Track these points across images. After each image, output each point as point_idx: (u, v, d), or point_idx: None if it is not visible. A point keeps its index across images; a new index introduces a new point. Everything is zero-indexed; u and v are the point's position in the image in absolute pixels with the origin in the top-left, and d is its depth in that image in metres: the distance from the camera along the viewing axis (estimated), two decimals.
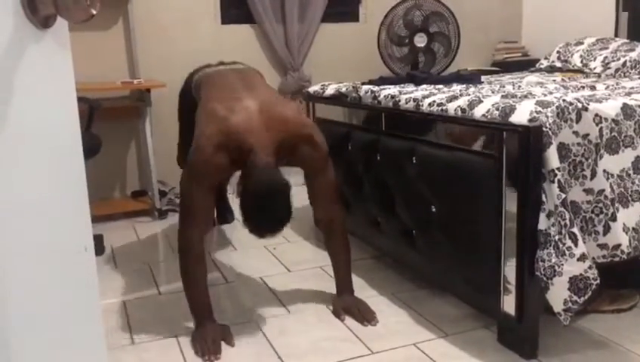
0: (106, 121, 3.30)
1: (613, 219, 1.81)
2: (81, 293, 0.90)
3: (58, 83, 0.84)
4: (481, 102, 1.93)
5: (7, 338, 0.75)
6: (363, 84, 2.80)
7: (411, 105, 2.24)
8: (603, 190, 1.80)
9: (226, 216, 3.32)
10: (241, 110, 2.02)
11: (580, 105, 1.78)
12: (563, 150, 1.74)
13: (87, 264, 0.90)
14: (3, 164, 0.73)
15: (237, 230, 3.23)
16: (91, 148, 2.77)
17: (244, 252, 2.93)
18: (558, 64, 3.61)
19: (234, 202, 3.35)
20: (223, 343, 1.97)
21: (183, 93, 2.71)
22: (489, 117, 1.84)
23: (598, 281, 1.70)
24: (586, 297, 1.70)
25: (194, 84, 2.52)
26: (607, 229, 1.81)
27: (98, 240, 2.87)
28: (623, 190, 1.86)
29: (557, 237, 1.69)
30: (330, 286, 2.30)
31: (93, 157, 2.79)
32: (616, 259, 1.84)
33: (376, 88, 2.57)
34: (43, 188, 0.81)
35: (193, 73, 2.64)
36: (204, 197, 2.00)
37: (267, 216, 1.89)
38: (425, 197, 2.13)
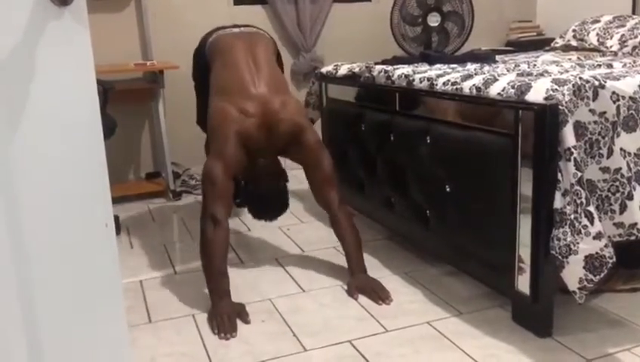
0: (120, 103, 3.31)
1: (630, 197, 1.80)
2: (103, 268, 0.91)
3: (78, 60, 0.85)
4: (496, 80, 1.91)
5: (31, 314, 0.77)
6: (376, 64, 2.79)
7: (425, 84, 2.23)
8: (619, 168, 1.79)
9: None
10: (245, 119, 2.26)
11: (596, 83, 1.76)
12: (579, 128, 1.72)
13: (108, 240, 0.92)
14: (26, 139, 0.74)
15: None
16: (107, 130, 2.78)
17: (258, 233, 2.94)
18: (574, 43, 3.56)
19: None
20: (238, 321, 1.99)
21: (197, 54, 2.80)
22: (504, 95, 1.83)
23: (614, 260, 1.69)
24: (602, 276, 1.69)
25: (207, 46, 2.67)
26: (623, 208, 1.80)
27: (114, 222, 2.90)
28: None
29: (573, 216, 1.68)
30: (344, 266, 2.32)
31: (109, 139, 2.81)
32: (632, 237, 1.83)
33: (389, 68, 2.55)
34: (64, 164, 0.82)
35: (208, 34, 2.74)
36: (226, 174, 2.16)
37: (267, 212, 2.47)
38: (439, 177, 2.13)
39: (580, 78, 1.75)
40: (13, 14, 0.70)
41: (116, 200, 3.28)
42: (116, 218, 2.97)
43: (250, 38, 2.63)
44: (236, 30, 2.70)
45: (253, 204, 2.46)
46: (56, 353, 0.80)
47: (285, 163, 2.48)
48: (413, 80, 2.31)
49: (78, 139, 0.86)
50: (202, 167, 2.25)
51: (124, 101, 3.48)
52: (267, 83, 2.37)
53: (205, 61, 2.64)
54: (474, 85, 1.97)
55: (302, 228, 2.95)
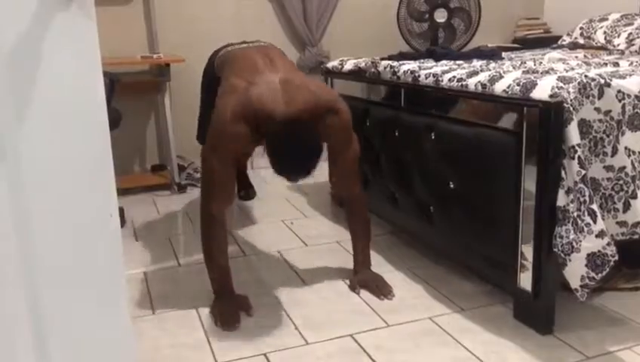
0: (126, 96, 3.32)
1: (634, 196, 1.80)
2: (107, 259, 0.92)
3: (84, 51, 0.86)
4: (501, 77, 1.91)
5: (36, 303, 0.78)
6: (382, 59, 2.79)
7: (431, 80, 2.23)
8: (624, 167, 1.79)
9: (248, 192, 3.34)
10: (262, 82, 2.03)
11: (602, 81, 1.76)
12: (584, 126, 1.73)
13: (113, 230, 0.93)
14: (33, 129, 0.74)
15: (255, 205, 3.26)
16: (111, 122, 2.79)
17: (262, 226, 2.95)
18: (581, 41, 3.55)
19: (252, 178, 3.39)
20: (241, 313, 2.00)
21: (206, 72, 2.70)
22: (510, 92, 1.83)
23: (616, 258, 1.69)
24: (604, 274, 1.70)
25: (217, 62, 2.52)
26: (627, 207, 1.80)
27: (119, 214, 2.91)
28: None
29: (576, 214, 1.68)
30: (346, 261, 2.32)
31: (114, 131, 2.82)
32: (636, 236, 1.83)
33: (395, 63, 2.55)
34: (70, 154, 0.83)
35: (217, 51, 2.63)
36: (225, 169, 2.00)
37: (296, 154, 1.86)
38: (443, 174, 2.13)
39: (586, 76, 1.75)
40: (20, 6, 0.71)
41: (121, 192, 3.33)
42: (121, 210, 2.98)
43: (263, 48, 2.47)
44: (245, 46, 2.53)
45: (279, 148, 1.89)
46: (60, 342, 0.81)
47: None
48: (419, 76, 2.31)
49: (84, 130, 0.87)
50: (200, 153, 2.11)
51: (131, 93, 3.49)
52: (285, 68, 2.23)
53: (214, 76, 2.45)
54: (479, 82, 1.97)
55: (305, 222, 2.96)
